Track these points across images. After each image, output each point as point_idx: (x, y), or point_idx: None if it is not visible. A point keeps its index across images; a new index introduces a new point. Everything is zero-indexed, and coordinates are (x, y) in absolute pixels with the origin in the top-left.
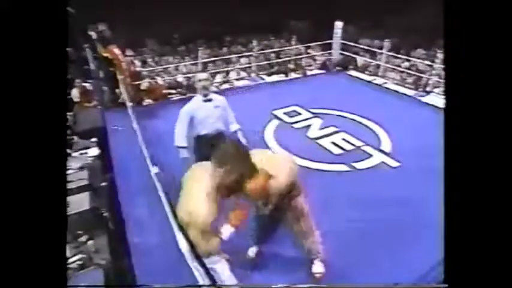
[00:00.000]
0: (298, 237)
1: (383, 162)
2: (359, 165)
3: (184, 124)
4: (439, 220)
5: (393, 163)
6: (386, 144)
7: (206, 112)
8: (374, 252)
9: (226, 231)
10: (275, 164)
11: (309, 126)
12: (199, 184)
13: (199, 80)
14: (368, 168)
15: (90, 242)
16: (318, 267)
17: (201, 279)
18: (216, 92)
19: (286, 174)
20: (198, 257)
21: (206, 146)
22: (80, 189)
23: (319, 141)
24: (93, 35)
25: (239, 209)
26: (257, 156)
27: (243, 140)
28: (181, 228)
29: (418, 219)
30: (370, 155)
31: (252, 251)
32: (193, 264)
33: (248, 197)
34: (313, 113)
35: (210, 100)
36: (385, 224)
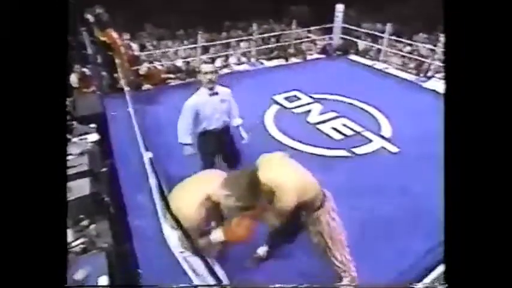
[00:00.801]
0: (321, 250)
1: (383, 148)
2: (359, 151)
3: (188, 120)
4: (439, 206)
5: (393, 149)
6: (386, 130)
7: (212, 106)
8: (373, 239)
9: (216, 236)
10: (281, 183)
11: (309, 111)
12: (202, 186)
13: (205, 73)
14: (368, 153)
15: (92, 226)
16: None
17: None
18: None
19: (291, 197)
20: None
21: (212, 142)
22: (80, 175)
23: (319, 126)
24: (90, 18)
25: (241, 227)
26: (263, 171)
27: (244, 135)
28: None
29: (417, 204)
30: (370, 141)
31: (262, 250)
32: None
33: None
34: (313, 98)
35: (216, 94)
36: (384, 209)
